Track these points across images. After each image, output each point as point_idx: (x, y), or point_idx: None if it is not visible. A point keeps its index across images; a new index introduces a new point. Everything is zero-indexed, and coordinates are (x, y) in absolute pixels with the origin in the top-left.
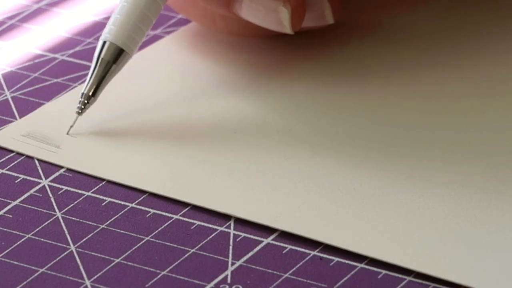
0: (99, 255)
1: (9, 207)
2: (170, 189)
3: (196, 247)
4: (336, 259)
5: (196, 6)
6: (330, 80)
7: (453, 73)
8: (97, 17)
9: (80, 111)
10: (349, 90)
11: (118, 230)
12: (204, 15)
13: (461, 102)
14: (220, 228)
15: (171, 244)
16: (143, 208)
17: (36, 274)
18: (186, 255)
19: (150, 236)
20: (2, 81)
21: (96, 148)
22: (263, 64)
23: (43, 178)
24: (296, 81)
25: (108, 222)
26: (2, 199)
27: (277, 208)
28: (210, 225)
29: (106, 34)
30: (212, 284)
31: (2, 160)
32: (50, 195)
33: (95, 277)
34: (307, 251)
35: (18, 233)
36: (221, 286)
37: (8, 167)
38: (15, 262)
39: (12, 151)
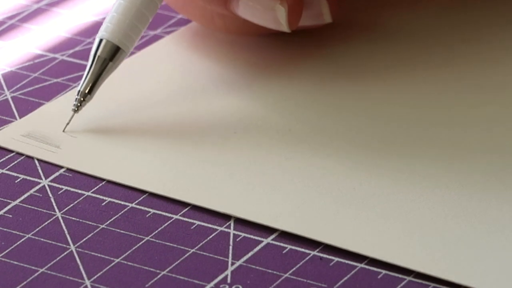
0: (99, 255)
1: (9, 207)
2: (170, 189)
3: (196, 247)
4: (336, 259)
5: (194, 5)
6: (330, 79)
7: (453, 73)
8: (97, 17)
9: (76, 109)
10: (349, 89)
11: (118, 230)
12: (203, 14)
13: (461, 101)
14: (220, 228)
15: (171, 244)
16: (143, 208)
17: (36, 274)
18: (186, 255)
19: (150, 236)
20: (2, 81)
21: (96, 148)
22: (263, 64)
23: (43, 178)
24: (296, 81)
25: (108, 222)
26: (2, 199)
27: (277, 208)
28: (210, 225)
29: (102, 32)
30: (212, 284)
31: (2, 160)
32: (50, 195)
33: (95, 277)
34: (307, 251)
35: (18, 233)
36: (221, 286)
37: (8, 167)
38: (15, 262)
39: (12, 151)
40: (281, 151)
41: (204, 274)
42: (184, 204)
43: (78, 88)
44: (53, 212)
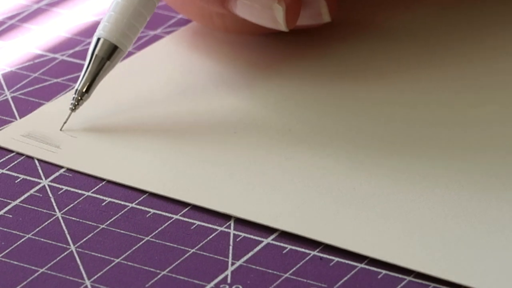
0: (99, 255)
1: (9, 207)
2: (170, 189)
3: (196, 247)
4: (336, 259)
5: (193, 4)
6: (330, 79)
7: (453, 72)
8: (97, 17)
9: (73, 108)
10: (349, 89)
11: (118, 230)
12: (202, 13)
13: (461, 101)
14: (220, 228)
15: (171, 244)
16: (143, 208)
17: (36, 274)
18: (186, 255)
19: (150, 236)
20: (2, 81)
21: (96, 148)
22: (263, 64)
23: (43, 178)
24: (296, 80)
25: (108, 222)
26: (2, 199)
27: (277, 208)
28: (210, 225)
29: (100, 31)
30: (212, 284)
31: (2, 160)
32: (50, 195)
33: (95, 277)
34: (307, 251)
35: (18, 233)
36: (221, 286)
37: (8, 167)
38: (15, 262)
39: (12, 151)
40: (281, 151)
41: (204, 274)
42: (184, 204)
43: (76, 87)
44: (53, 212)
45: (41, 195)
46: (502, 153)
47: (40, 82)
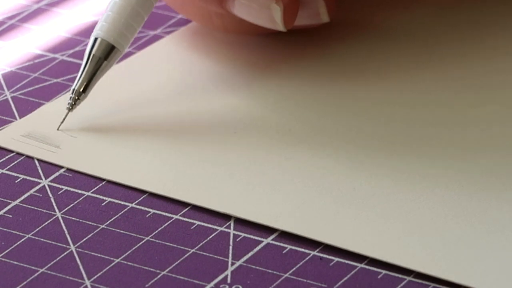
0: (99, 255)
1: (9, 207)
2: (170, 189)
3: (196, 247)
4: (336, 259)
5: (193, 4)
6: (330, 79)
7: (453, 72)
8: (97, 17)
9: (70, 107)
10: (349, 89)
11: (118, 230)
12: (201, 13)
13: (461, 101)
14: (220, 228)
15: (171, 244)
16: (143, 208)
17: (36, 274)
18: (186, 255)
19: (150, 236)
20: (2, 81)
21: (96, 148)
22: (263, 64)
23: (43, 178)
24: (296, 80)
25: (108, 222)
26: (2, 199)
27: (277, 208)
28: (210, 225)
29: (97, 31)
30: (212, 284)
31: (2, 160)
32: (50, 195)
33: (95, 277)
34: (307, 251)
35: (18, 233)
36: (221, 286)
37: (8, 167)
38: (15, 262)
39: (12, 151)
40: (281, 151)
41: (204, 274)
42: (184, 204)
43: (73, 86)
44: (53, 212)
45: (41, 195)
46: (502, 153)
47: (40, 82)
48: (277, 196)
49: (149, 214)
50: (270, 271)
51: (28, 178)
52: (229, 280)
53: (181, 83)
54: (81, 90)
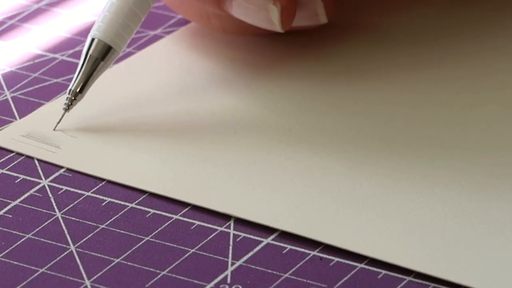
0: (99, 255)
1: (9, 207)
2: (170, 189)
3: (196, 247)
4: (336, 259)
5: (191, 5)
6: (330, 79)
7: (453, 72)
8: (97, 17)
9: (67, 108)
10: (348, 89)
11: (118, 230)
12: (199, 14)
13: (461, 101)
14: (220, 228)
15: (171, 244)
16: (143, 208)
17: (36, 274)
18: (186, 255)
19: (150, 236)
20: (2, 81)
21: (96, 148)
22: (263, 64)
23: (43, 178)
24: (296, 80)
25: (108, 222)
26: (2, 199)
27: (277, 208)
28: (210, 225)
29: (94, 31)
30: (212, 284)
31: (2, 160)
32: (50, 195)
33: (95, 277)
34: (307, 251)
35: (18, 233)
36: (221, 286)
37: (8, 167)
38: (15, 262)
39: (12, 151)
40: (281, 151)
41: (204, 274)
42: (184, 204)
43: (70, 87)
44: (53, 212)
45: (41, 195)
46: (502, 153)
47: (40, 82)
48: (277, 196)
49: (149, 214)
50: (270, 271)
51: (28, 178)
52: (229, 280)
53: (180, 83)
54: (77, 90)
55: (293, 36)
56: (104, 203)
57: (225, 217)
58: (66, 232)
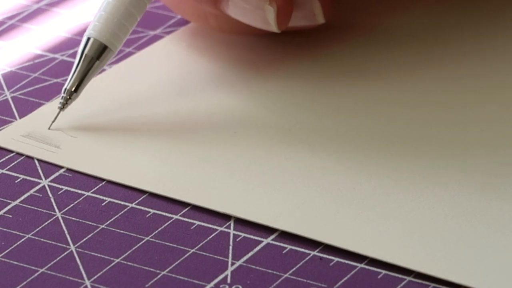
0: (99, 255)
1: (9, 207)
2: (170, 189)
3: (196, 247)
4: (336, 259)
5: (188, 5)
6: (330, 79)
7: (453, 72)
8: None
9: (62, 107)
10: (349, 89)
11: (118, 230)
12: (197, 13)
13: (461, 101)
14: (220, 228)
15: (171, 244)
16: (143, 208)
17: (36, 274)
18: (186, 255)
19: (150, 236)
20: (2, 81)
21: (96, 148)
22: (263, 64)
23: (43, 178)
24: (295, 81)
25: (108, 222)
26: (2, 199)
27: (277, 208)
28: (210, 225)
29: (90, 31)
30: (212, 284)
31: (2, 160)
32: (50, 195)
33: (95, 277)
34: (307, 251)
35: (18, 233)
36: (221, 286)
37: (8, 167)
38: (15, 262)
39: (12, 151)
40: (281, 151)
41: (204, 274)
42: (184, 204)
43: (65, 86)
44: (53, 212)
45: (41, 195)
46: (502, 153)
47: (40, 82)
48: (277, 196)
49: (149, 214)
50: (270, 271)
51: (28, 178)
52: (229, 280)
53: (180, 83)
54: (73, 89)
55: (294, 36)
56: (104, 203)
57: (225, 217)
58: (66, 232)
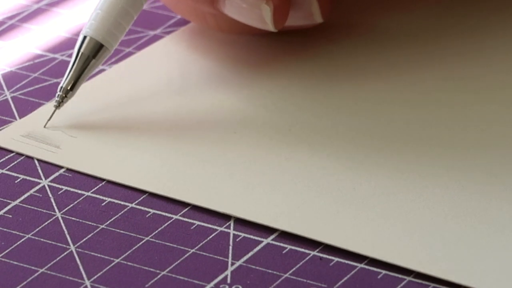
0: (99, 255)
1: (9, 207)
2: (170, 189)
3: (196, 247)
4: (336, 259)
5: (186, 4)
6: (330, 79)
7: (453, 72)
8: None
9: (57, 105)
10: (349, 89)
11: (118, 230)
12: (195, 13)
13: (461, 101)
14: (220, 228)
15: (171, 244)
16: (143, 208)
17: (36, 274)
18: (186, 255)
19: (150, 236)
20: (2, 81)
21: (96, 148)
22: (263, 64)
23: (43, 178)
24: (296, 81)
25: (108, 222)
26: (2, 199)
27: (277, 208)
28: (210, 225)
29: (86, 29)
30: (212, 284)
31: (2, 160)
32: (50, 195)
33: (95, 277)
34: (307, 251)
35: (18, 233)
36: (221, 286)
37: (8, 167)
38: (15, 262)
39: (12, 151)
40: (281, 151)
41: (204, 274)
42: (184, 204)
43: (61, 84)
44: (53, 212)
45: (41, 195)
46: (502, 153)
47: (40, 82)
48: (277, 196)
49: (149, 214)
50: (270, 271)
51: (28, 178)
52: (229, 280)
53: (181, 83)
54: (68, 88)
55: (294, 36)
56: (104, 203)
57: (225, 217)
58: (66, 232)
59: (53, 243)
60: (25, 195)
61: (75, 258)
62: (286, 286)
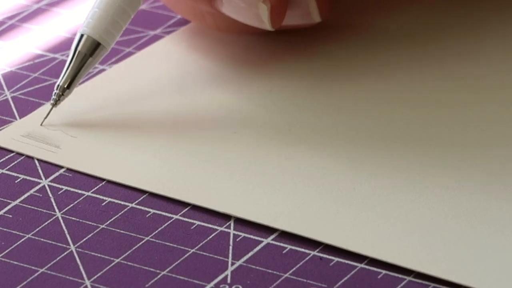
0: (99, 255)
1: (9, 207)
2: (170, 189)
3: (196, 247)
4: (336, 259)
5: (185, 3)
6: (330, 79)
7: (452, 72)
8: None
9: (54, 103)
10: (349, 89)
11: (118, 230)
12: (193, 12)
13: (461, 101)
14: (220, 228)
15: (171, 244)
16: (143, 208)
17: (36, 274)
18: (186, 255)
19: (150, 236)
20: (2, 81)
21: (96, 148)
22: (263, 64)
23: (43, 178)
24: (296, 80)
25: (108, 222)
26: (2, 199)
27: (277, 208)
28: (210, 225)
29: (84, 27)
30: (212, 284)
31: (2, 160)
32: (50, 195)
33: (95, 277)
34: (307, 251)
35: (18, 233)
36: (221, 286)
37: (8, 167)
38: (15, 262)
39: (12, 151)
40: (281, 151)
41: (204, 274)
42: (184, 204)
43: (58, 82)
44: (53, 212)
45: (41, 195)
46: (502, 153)
47: (40, 82)
48: (277, 196)
49: (149, 214)
50: (270, 271)
51: (28, 178)
52: (229, 280)
53: (181, 83)
54: (65, 86)
55: (294, 35)
56: (104, 203)
57: (225, 217)
58: (66, 232)
59: (53, 243)
60: (25, 195)
61: (75, 258)
62: (286, 286)
